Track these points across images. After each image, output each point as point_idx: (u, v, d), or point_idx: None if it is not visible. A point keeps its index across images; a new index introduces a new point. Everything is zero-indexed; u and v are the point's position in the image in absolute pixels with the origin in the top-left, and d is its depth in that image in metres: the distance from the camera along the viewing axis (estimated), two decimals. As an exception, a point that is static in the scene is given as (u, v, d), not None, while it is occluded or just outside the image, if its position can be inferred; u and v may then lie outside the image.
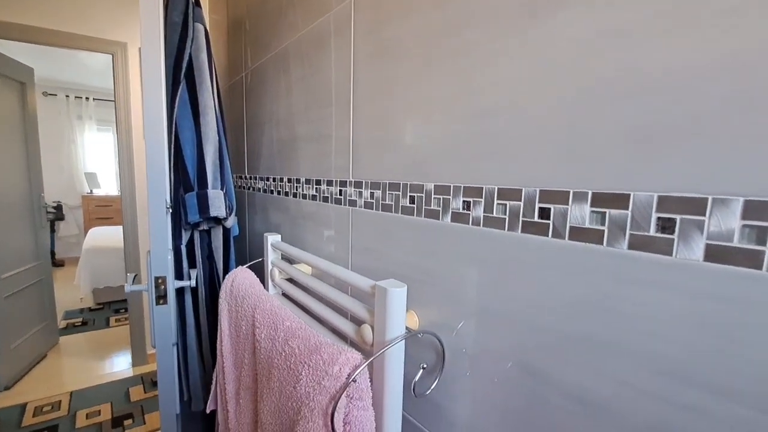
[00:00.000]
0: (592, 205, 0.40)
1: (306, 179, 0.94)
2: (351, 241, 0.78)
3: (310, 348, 0.55)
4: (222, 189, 1.11)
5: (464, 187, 0.53)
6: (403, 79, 0.63)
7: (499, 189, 0.49)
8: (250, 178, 1.32)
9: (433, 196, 0.58)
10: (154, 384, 2.35)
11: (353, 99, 0.75)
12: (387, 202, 0.68)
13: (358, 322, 0.68)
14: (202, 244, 1.21)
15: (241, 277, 0.86)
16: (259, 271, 1.00)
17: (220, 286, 1.24)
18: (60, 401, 2.17)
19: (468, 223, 0.53)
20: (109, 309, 3.48)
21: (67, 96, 4.63)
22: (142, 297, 2.49)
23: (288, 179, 1.04)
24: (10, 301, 2.30)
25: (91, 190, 4.85)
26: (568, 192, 0.42)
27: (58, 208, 4.34)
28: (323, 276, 0.85)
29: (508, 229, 0.48)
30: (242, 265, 1.42)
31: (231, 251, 1.24)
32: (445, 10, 0.55)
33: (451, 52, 0.54)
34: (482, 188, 0.51)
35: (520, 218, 0.46)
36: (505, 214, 0.48)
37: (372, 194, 0.71)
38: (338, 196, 0.81)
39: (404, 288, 0.53)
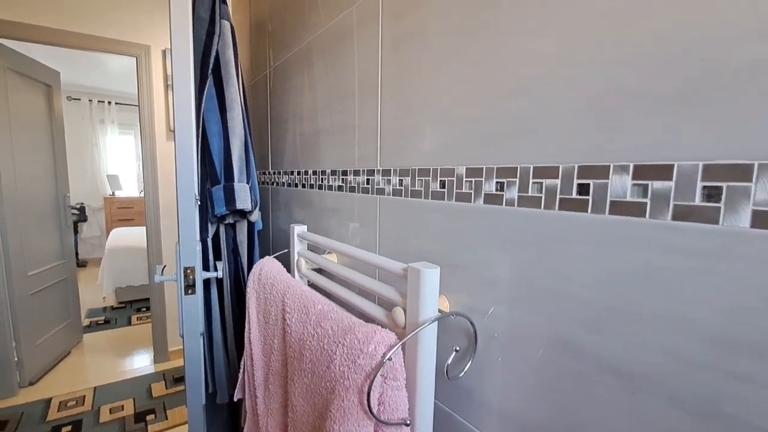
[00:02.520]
0: (633, 178, 0.40)
1: (331, 170, 0.96)
2: (379, 230, 0.79)
3: (344, 328, 0.56)
4: (248, 182, 1.14)
5: (497, 168, 0.54)
6: (432, 62, 0.63)
7: (534, 168, 0.49)
8: (274, 173, 1.34)
9: (464, 179, 0.59)
10: (176, 380, 2.39)
11: (381, 87, 0.76)
12: (416, 188, 0.68)
13: (388, 306, 0.68)
14: (228, 237, 1.23)
15: (268, 266, 0.88)
16: (285, 262, 1.02)
17: (244, 279, 1.26)
18: (84, 396, 2.22)
19: (501, 204, 0.53)
20: (131, 308, 3.56)
21: (90, 100, 4.78)
22: (164, 296, 2.54)
23: (312, 171, 1.05)
24: (36, 298, 2.37)
25: (113, 192, 4.97)
26: (608, 166, 0.42)
27: (81, 209, 4.46)
28: (351, 264, 0.86)
29: (545, 208, 0.48)
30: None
31: (255, 245, 1.26)
32: (477, -6, 0.55)
33: (478, 29, 0.55)
34: (516, 168, 0.51)
35: (558, 196, 0.47)
36: (541, 193, 0.48)
37: (401, 181, 0.72)
38: (365, 186, 0.82)
39: (437, 269, 0.54)
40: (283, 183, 1.26)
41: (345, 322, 0.57)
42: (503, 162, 0.53)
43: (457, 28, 0.59)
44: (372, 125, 0.79)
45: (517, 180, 0.51)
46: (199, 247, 1.00)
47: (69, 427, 1.97)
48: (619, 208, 0.41)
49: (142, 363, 2.62)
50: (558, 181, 0.47)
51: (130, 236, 3.77)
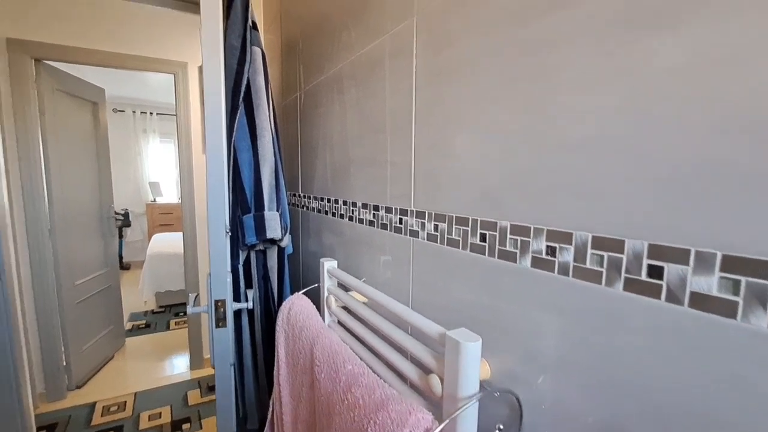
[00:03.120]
0: (723, 270, 0.33)
1: (362, 204, 0.92)
2: (412, 274, 0.75)
3: (376, 402, 0.52)
4: (277, 210, 1.12)
5: (548, 230, 0.48)
6: (473, 103, 0.58)
7: (594, 237, 0.43)
8: (304, 197, 1.32)
9: (508, 236, 0.53)
10: (210, 389, 2.45)
11: (415, 124, 0.71)
12: (453, 236, 0.63)
13: (421, 364, 0.64)
14: (258, 263, 1.23)
15: (298, 305, 0.85)
16: (315, 296, 0.99)
17: (274, 305, 1.25)
18: (125, 402, 2.31)
19: (553, 271, 0.47)
20: (169, 312, 3.69)
21: (133, 111, 5.01)
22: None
23: (343, 202, 1.02)
24: (82, 306, 2.49)
25: (155, 199, 5.19)
26: (689, 250, 0.35)
27: (126, 215, 4.68)
28: (382, 308, 0.82)
29: (606, 284, 0.42)
30: (295, 283, 1.43)
31: (285, 270, 1.25)
32: (526, 28, 0.49)
33: (531, 74, 0.49)
34: (572, 234, 0.45)
35: (622, 274, 0.40)
36: (602, 267, 0.42)
37: (436, 227, 0.67)
38: (398, 225, 0.78)
39: (479, 342, 0.49)
40: (314, 208, 1.24)
41: (377, 394, 0.53)
42: (555, 224, 0.47)
43: (505, 68, 0.53)
44: (405, 163, 0.75)
45: (572, 247, 0.45)
46: (229, 279, 0.99)
47: (110, 433, 2.05)
48: (703, 302, 0.34)
49: (179, 369, 2.70)
50: (623, 257, 0.40)
51: (169, 242, 3.91)
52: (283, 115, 1.48)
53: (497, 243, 0.55)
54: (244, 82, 1.10)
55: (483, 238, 0.57)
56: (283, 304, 0.91)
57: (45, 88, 2.16)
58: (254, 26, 1.14)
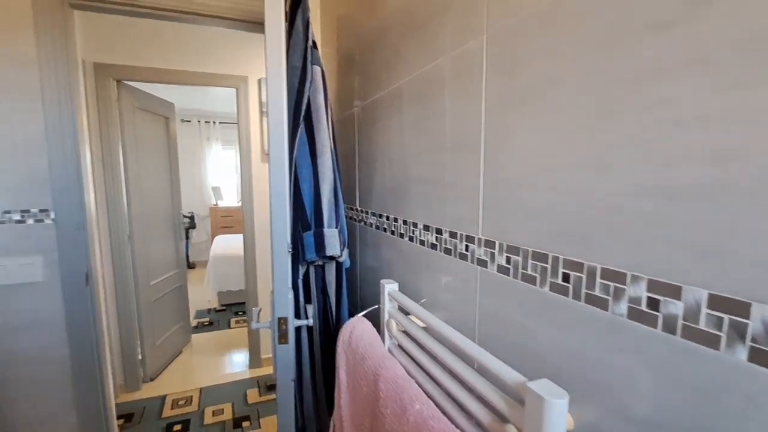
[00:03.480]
0: None
1: (424, 225, 0.89)
2: (478, 305, 0.71)
3: (449, 451, 0.49)
4: (336, 227, 1.13)
5: (649, 279, 0.42)
6: (559, 133, 0.53)
7: (711, 295, 0.37)
8: (362, 211, 1.32)
9: (598, 279, 0.48)
10: (268, 389, 2.54)
11: (485, 148, 0.68)
12: (529, 272, 0.59)
13: (493, 407, 0.60)
14: (317, 277, 1.25)
15: (359, 329, 0.85)
16: (375, 316, 0.98)
17: (332, 319, 1.26)
18: (192, 397, 2.47)
19: (654, 326, 0.42)
20: (230, 311, 3.90)
21: (198, 121, 5.37)
22: (257, 305, 2.73)
23: (403, 221, 1.00)
24: (156, 304, 2.70)
25: (217, 202, 5.53)
26: None
27: (191, 218, 5.02)
28: (447, 341, 0.79)
29: (726, 350, 0.36)
30: (352, 295, 1.44)
31: (343, 285, 1.25)
32: (631, 55, 0.44)
33: (636, 107, 0.44)
34: (680, 288, 0.39)
35: (747, 341, 0.34)
36: (721, 330, 0.36)
37: (508, 259, 0.63)
38: (463, 252, 0.75)
39: (566, 399, 0.44)
40: (371, 224, 1.23)
41: (449, 443, 0.50)
42: (660, 274, 0.41)
43: (602, 98, 0.48)
44: (471, 187, 0.71)
45: (681, 303, 0.39)
46: (291, 296, 1.01)
47: (179, 426, 2.19)
48: None
49: (239, 367, 2.84)
50: (749, 323, 0.34)
51: (230, 245, 4.14)
52: (340, 128, 1.49)
53: (583, 286, 0.50)
54: (305, 102, 1.11)
55: (566, 278, 0.53)
56: (344, 326, 0.91)
57: (125, 106, 2.36)
58: (314, 45, 1.15)
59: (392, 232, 1.08)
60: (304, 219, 1.12)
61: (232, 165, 5.75)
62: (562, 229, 0.53)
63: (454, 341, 0.64)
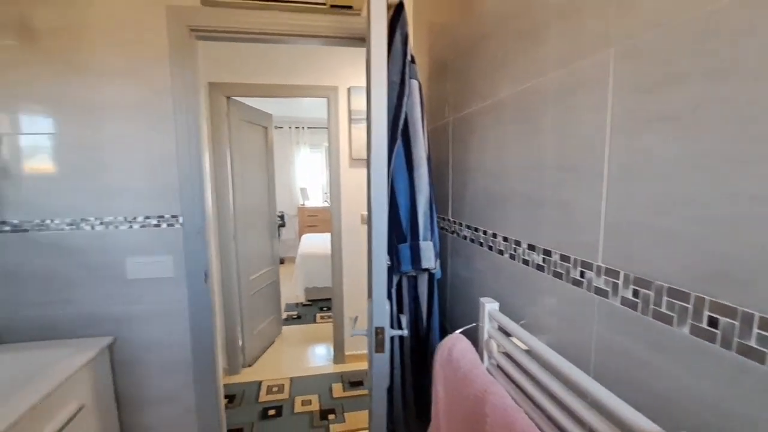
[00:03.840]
0: None
1: (529, 245, 0.86)
2: (594, 338, 0.66)
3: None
4: (431, 239, 1.14)
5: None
6: (710, 157, 0.48)
7: None
8: (454, 222, 1.31)
9: (755, 329, 0.42)
10: (351, 384, 2.65)
11: (609, 169, 0.63)
12: (663, 310, 0.53)
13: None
14: (409, 287, 1.27)
15: (460, 349, 0.85)
16: (470, 333, 0.97)
17: (423, 329, 1.27)
18: (283, 385, 2.67)
19: None
20: (315, 306, 4.15)
21: (289, 127, 5.78)
22: (342, 304, 2.85)
23: (503, 238, 0.97)
24: (254, 297, 2.97)
25: (304, 203, 5.91)
26: None
27: (281, 217, 5.44)
28: (550, 365, 0.75)
29: None
30: (442, 304, 1.44)
31: (435, 296, 1.26)
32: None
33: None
34: None
35: None
36: None
37: (636, 292, 0.58)
38: (578, 278, 0.70)
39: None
40: (465, 236, 1.22)
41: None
42: None
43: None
44: (589, 209, 0.67)
45: None
46: (388, 307, 1.04)
47: (273, 411, 2.39)
48: None
49: (323, 361, 3.00)
50: None
51: (316, 243, 4.39)
52: (433, 136, 1.49)
53: (736, 334, 0.44)
54: (403, 116, 1.14)
55: (713, 323, 0.47)
56: (443, 343, 0.91)
57: (233, 119, 2.63)
58: (412, 59, 1.17)
59: (489, 248, 1.05)
60: (399, 230, 1.15)
61: (318, 167, 6.09)
62: (709, 266, 0.47)
63: (564, 371, 0.60)
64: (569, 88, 0.71)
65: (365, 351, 2.92)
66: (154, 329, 1.61)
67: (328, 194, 6.10)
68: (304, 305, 4.19)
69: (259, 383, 2.69)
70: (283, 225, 5.53)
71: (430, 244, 1.12)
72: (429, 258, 1.10)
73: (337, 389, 2.62)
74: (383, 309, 1.02)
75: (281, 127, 5.77)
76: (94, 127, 1.47)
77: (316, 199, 6.08)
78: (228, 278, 2.67)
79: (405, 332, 1.10)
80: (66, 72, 1.43)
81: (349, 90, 2.71)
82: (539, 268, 0.82)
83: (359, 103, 2.71)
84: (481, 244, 1.11)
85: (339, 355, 2.93)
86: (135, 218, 1.53)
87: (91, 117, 1.46)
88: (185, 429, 1.69)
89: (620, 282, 0.61)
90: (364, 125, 2.71)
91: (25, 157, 1.44)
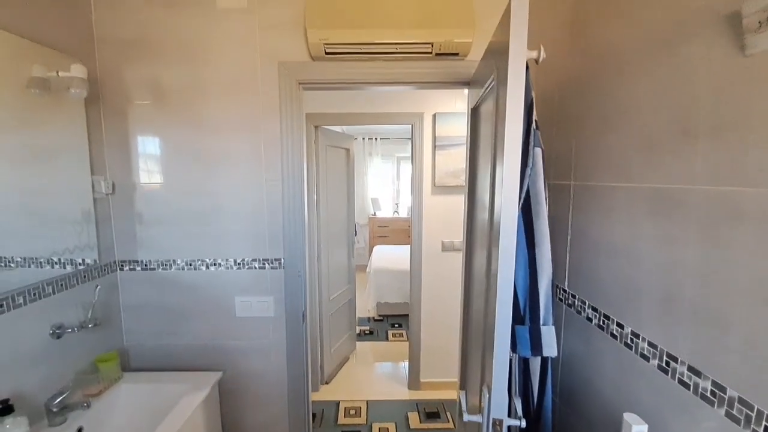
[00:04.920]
0: None
1: (690, 367, 0.74)
2: None
3: None
4: (552, 323, 1.05)
5: None
6: None
7: None
8: (571, 294, 1.21)
9: None
10: (428, 416, 2.62)
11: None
12: None
13: None
14: (519, 362, 1.19)
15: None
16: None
17: (533, 408, 1.19)
18: (360, 408, 2.70)
19: None
20: (386, 322, 4.17)
21: (363, 139, 5.87)
22: (420, 329, 2.81)
23: (650, 343, 0.86)
24: (333, 316, 3.05)
25: (375, 212, 5.98)
26: None
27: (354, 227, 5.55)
28: None
29: None
30: (555, 385, 1.33)
31: (548, 375, 1.17)
32: None
33: None
34: None
35: None
36: None
37: None
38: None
39: None
40: (589, 318, 1.11)
41: None
42: None
43: None
44: None
45: None
46: (506, 397, 0.98)
47: (352, 435, 2.43)
48: None
49: (398, 384, 3.00)
50: None
51: (387, 257, 4.41)
52: (552, 191, 1.37)
53: None
54: (525, 188, 1.06)
55: None
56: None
57: (321, 145, 2.71)
58: (536, 125, 1.09)
59: (627, 345, 0.94)
60: (516, 311, 1.08)
61: (389, 177, 6.12)
62: None
63: None
64: (721, 216, 0.59)
65: (440, 379, 2.87)
66: (254, 363, 1.70)
67: (398, 204, 6.16)
68: (376, 320, 4.24)
69: (337, 404, 2.75)
70: (355, 234, 5.65)
71: (552, 329, 1.04)
72: (551, 345, 1.02)
73: (414, 419, 2.60)
74: (504, 401, 0.96)
75: (355, 139, 5.88)
76: (211, 176, 1.57)
77: (387, 209, 6.11)
78: (312, 298, 2.76)
79: (523, 423, 1.03)
80: (186, 125, 1.54)
81: (434, 116, 2.65)
82: (708, 401, 0.71)
83: (444, 129, 2.64)
84: (611, 335, 1.00)
85: (414, 382, 2.90)
86: (243, 260, 1.62)
87: (207, 167, 1.57)
88: (280, 457, 1.78)
89: None
90: (448, 151, 2.64)
91: (152, 204, 1.59)
